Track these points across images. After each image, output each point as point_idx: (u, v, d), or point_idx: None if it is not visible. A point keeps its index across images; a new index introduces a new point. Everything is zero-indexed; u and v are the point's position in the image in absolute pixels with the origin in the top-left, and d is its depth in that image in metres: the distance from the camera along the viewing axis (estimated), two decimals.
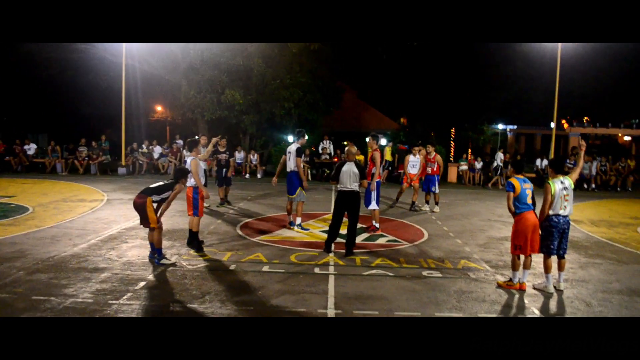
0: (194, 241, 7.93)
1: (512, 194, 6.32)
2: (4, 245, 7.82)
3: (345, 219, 7.96)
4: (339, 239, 8.10)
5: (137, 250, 7.78)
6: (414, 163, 12.56)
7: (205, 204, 10.21)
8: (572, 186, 6.34)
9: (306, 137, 10.24)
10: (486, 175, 19.71)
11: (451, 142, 25.79)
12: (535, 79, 26.49)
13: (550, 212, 6.24)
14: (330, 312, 5.42)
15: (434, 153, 12.71)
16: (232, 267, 7.02)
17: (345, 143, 21.70)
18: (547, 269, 6.34)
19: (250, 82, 20.28)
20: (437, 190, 12.54)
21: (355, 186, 7.79)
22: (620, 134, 35.07)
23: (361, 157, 16.61)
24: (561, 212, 6.22)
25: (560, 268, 6.44)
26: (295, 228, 9.57)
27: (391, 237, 9.23)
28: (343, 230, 8.05)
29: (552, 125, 22.07)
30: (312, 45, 19.53)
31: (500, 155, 20.13)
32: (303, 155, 10.05)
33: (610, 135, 35.34)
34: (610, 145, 35.51)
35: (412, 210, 12.32)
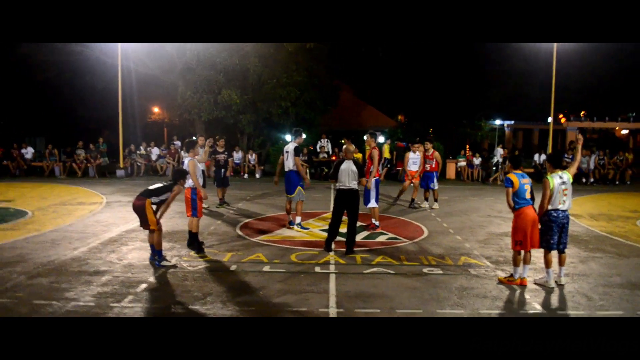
0: (194, 242, 7.92)
1: (510, 189, 6.33)
2: (4, 250, 7.81)
3: (345, 218, 7.97)
4: (339, 238, 8.10)
5: (138, 252, 7.78)
6: (414, 160, 12.55)
7: (204, 205, 10.22)
8: (571, 180, 6.35)
9: (303, 135, 10.26)
10: (485, 171, 19.75)
11: (449, 138, 25.82)
12: (532, 74, 26.57)
13: (549, 207, 6.25)
14: (332, 311, 5.42)
15: (432, 150, 12.71)
16: (233, 267, 7.02)
17: (343, 141, 21.74)
18: (547, 263, 6.35)
19: (247, 81, 20.28)
20: (436, 187, 12.55)
21: (354, 184, 7.79)
22: (617, 128, 35.15)
23: (359, 155, 16.61)
24: (560, 206, 6.23)
25: (561, 263, 6.45)
26: (295, 227, 9.57)
27: (391, 235, 9.23)
28: (343, 229, 8.05)
29: (550, 119, 22.12)
30: (307, 44, 19.53)
31: (499, 151, 20.17)
32: (301, 155, 10.05)
33: (607, 128, 35.44)
34: (608, 138, 35.63)
35: (412, 207, 12.33)
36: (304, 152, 18.42)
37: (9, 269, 6.79)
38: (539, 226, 6.35)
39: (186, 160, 7.92)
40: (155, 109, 34.37)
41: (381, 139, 19.24)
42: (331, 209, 8.33)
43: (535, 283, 6.46)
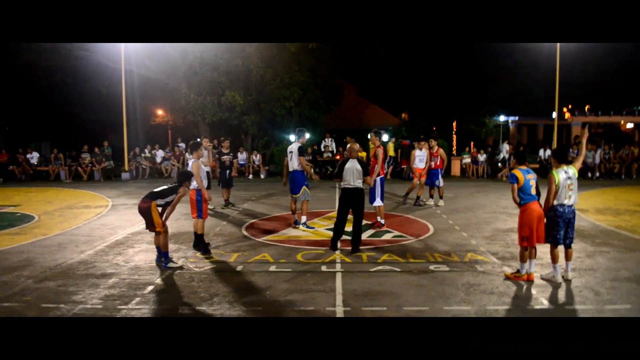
0: (200, 243, 7.94)
1: (515, 185, 6.31)
2: (11, 255, 7.86)
3: (350, 216, 7.97)
4: (344, 237, 8.10)
5: (144, 254, 7.81)
6: (420, 157, 12.50)
7: (209, 206, 10.23)
8: (576, 175, 6.32)
9: (307, 135, 10.25)
10: (490, 167, 19.68)
11: (453, 135, 25.76)
12: (536, 70, 26.44)
13: (555, 202, 6.23)
14: (339, 310, 5.42)
15: (437, 147, 12.69)
16: (239, 268, 7.04)
17: (347, 140, 21.71)
18: (554, 259, 6.32)
19: (250, 82, 20.30)
20: (441, 184, 12.53)
21: (358, 183, 7.79)
22: (622, 122, 34.93)
23: (363, 154, 16.60)
24: (566, 201, 6.20)
25: (568, 258, 6.42)
26: (301, 227, 9.58)
27: (397, 233, 9.22)
28: (348, 228, 8.06)
29: (554, 115, 22.02)
30: (310, 44, 19.53)
31: (505, 147, 20.10)
32: (305, 154, 10.06)
33: (612, 123, 35.23)
34: (613, 132, 35.42)
35: (417, 205, 12.30)
36: (308, 152, 18.43)
37: (16, 273, 6.83)
38: (545, 221, 6.33)
39: (190, 162, 7.94)
40: (159, 112, 34.47)
41: (385, 137, 19.23)
42: (336, 208, 8.32)
43: (542, 278, 6.43)
